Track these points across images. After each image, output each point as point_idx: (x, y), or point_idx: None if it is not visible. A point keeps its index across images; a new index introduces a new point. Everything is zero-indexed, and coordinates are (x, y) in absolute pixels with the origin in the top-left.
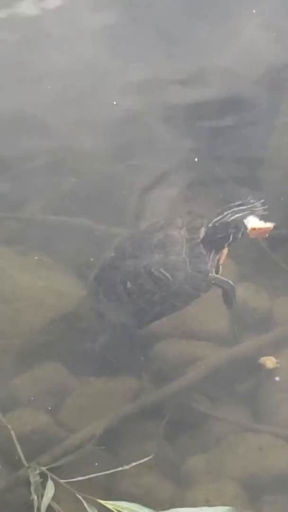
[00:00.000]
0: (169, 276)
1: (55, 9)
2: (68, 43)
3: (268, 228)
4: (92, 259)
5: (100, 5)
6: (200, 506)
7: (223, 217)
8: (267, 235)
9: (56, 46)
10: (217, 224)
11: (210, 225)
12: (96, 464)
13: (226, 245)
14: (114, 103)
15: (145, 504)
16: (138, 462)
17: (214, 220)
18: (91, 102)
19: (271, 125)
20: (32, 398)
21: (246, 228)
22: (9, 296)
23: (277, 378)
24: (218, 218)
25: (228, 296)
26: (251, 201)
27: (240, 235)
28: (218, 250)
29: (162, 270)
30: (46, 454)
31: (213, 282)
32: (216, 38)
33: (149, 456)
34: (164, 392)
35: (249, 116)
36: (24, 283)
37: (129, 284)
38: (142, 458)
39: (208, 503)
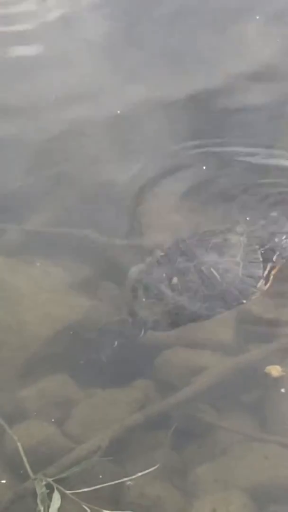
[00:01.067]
0: (218, 275)
1: (54, 24)
2: (66, 61)
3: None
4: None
5: (100, 20)
6: None
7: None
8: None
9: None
10: (274, 238)
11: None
12: (102, 475)
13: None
14: (118, 112)
15: None
16: (144, 473)
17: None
18: (92, 111)
19: (276, 135)
20: (39, 410)
21: None
22: (15, 308)
23: (282, 390)
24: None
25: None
26: None
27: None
28: (276, 261)
29: (212, 269)
30: (52, 466)
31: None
32: (218, 51)
33: (155, 466)
34: (170, 402)
35: (255, 128)
36: (29, 294)
37: (175, 279)
38: (149, 469)
39: None
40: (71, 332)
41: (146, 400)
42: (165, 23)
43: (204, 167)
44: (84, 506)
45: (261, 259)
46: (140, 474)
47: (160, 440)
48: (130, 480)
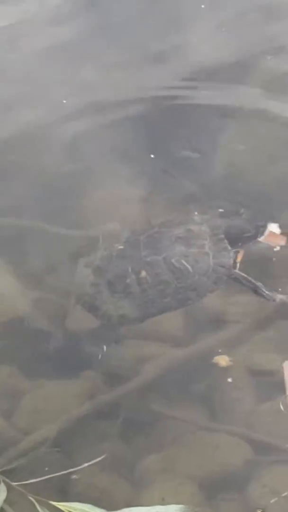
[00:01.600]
0: (189, 267)
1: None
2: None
3: (283, 237)
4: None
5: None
6: (155, 505)
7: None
8: (282, 243)
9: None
10: (241, 223)
11: (232, 223)
12: (50, 466)
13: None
14: (64, 101)
15: (100, 505)
16: (90, 463)
17: (234, 219)
18: (43, 104)
19: (225, 127)
20: None
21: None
22: None
23: (229, 380)
24: (237, 217)
25: (256, 293)
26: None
27: (261, 236)
28: (241, 247)
29: (183, 261)
30: (0, 457)
31: (233, 277)
32: (168, 41)
33: (102, 456)
34: (119, 393)
35: (204, 119)
36: None
37: (143, 273)
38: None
39: (163, 502)
40: (18, 325)
41: (94, 391)
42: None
43: (152, 156)
44: (30, 498)
45: (229, 248)
46: (86, 464)
47: (109, 431)
48: (77, 470)
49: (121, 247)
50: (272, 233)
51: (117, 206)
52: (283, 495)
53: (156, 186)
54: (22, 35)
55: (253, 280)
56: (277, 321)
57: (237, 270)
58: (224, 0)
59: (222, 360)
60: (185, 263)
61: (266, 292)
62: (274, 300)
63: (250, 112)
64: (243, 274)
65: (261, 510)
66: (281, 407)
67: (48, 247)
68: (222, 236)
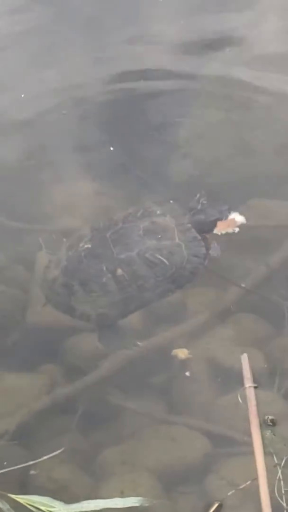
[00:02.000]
0: (165, 260)
1: None
2: None
3: (233, 220)
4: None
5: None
6: (115, 497)
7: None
8: (235, 230)
9: None
10: (204, 209)
11: (195, 211)
12: (9, 460)
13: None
14: (22, 95)
15: (60, 498)
16: (48, 456)
17: (196, 208)
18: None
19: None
20: None
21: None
22: None
23: (187, 373)
24: (198, 205)
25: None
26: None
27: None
28: (207, 232)
29: (157, 255)
30: None
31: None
32: (126, 30)
33: (60, 449)
34: (78, 386)
35: (163, 108)
36: None
37: (119, 271)
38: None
39: (122, 495)
40: None
41: (53, 385)
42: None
43: (111, 148)
44: None
45: (199, 237)
46: (45, 457)
47: (68, 424)
48: (36, 464)
49: (88, 245)
50: (222, 222)
51: (75, 200)
52: (241, 487)
53: (114, 180)
54: None
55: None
56: (236, 314)
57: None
58: None
59: (181, 353)
60: (160, 257)
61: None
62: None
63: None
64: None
65: (219, 503)
66: (239, 399)
67: (6, 241)
68: (189, 225)
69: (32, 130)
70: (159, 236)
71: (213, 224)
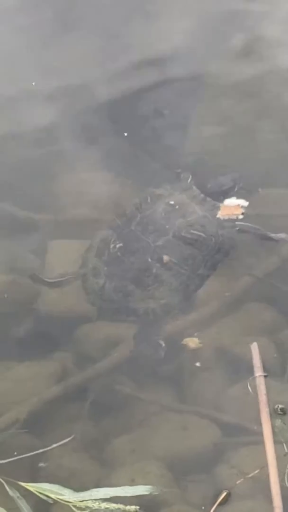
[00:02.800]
0: (202, 234)
1: None
2: None
3: (238, 207)
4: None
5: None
6: (125, 485)
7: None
8: (240, 216)
9: None
10: (217, 178)
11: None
12: (20, 448)
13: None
14: (33, 83)
15: (70, 486)
16: (58, 444)
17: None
18: (11, 87)
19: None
20: None
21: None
22: None
23: (197, 364)
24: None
25: (264, 237)
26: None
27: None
28: (222, 200)
29: (192, 231)
30: None
31: (237, 228)
32: (137, 27)
33: (70, 437)
34: (88, 375)
35: (173, 103)
36: None
37: (166, 258)
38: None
39: (133, 483)
40: None
41: (64, 373)
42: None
43: (125, 134)
44: None
45: (218, 203)
46: (55, 445)
47: (78, 413)
48: (45, 453)
49: (120, 244)
50: (227, 207)
51: (86, 189)
52: (250, 475)
53: (124, 169)
54: None
55: (257, 226)
56: (246, 303)
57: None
58: None
59: (192, 342)
60: (196, 231)
61: (272, 234)
62: (282, 239)
63: (219, 87)
64: (247, 224)
65: (227, 492)
66: (250, 388)
67: (18, 231)
68: (202, 195)
69: (43, 119)
70: (182, 212)
71: (227, 193)
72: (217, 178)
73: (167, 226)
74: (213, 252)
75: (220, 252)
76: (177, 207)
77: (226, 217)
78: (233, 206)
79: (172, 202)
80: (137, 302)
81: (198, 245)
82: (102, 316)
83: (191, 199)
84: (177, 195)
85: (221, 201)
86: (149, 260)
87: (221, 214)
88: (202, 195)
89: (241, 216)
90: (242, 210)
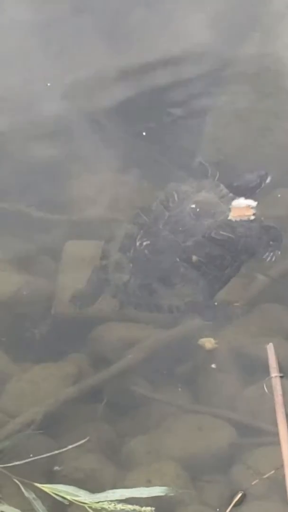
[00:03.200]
0: (231, 235)
1: None
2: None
3: (249, 208)
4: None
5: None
6: (141, 486)
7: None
8: (250, 215)
9: None
10: (243, 175)
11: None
12: (36, 449)
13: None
14: (48, 84)
15: (85, 487)
16: (74, 445)
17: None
18: (27, 87)
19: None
20: None
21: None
22: None
23: (213, 366)
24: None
25: (278, 238)
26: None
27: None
28: (248, 198)
29: (221, 232)
30: None
31: (265, 225)
32: (152, 26)
33: (85, 438)
34: (104, 376)
35: (189, 103)
36: None
37: (194, 258)
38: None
39: (149, 484)
40: (4, 309)
41: (79, 374)
42: None
43: (144, 133)
44: (15, 480)
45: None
46: (70, 446)
47: (94, 414)
48: (61, 454)
49: (147, 242)
50: (237, 208)
51: (101, 190)
52: (265, 476)
53: (139, 170)
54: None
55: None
56: (261, 304)
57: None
58: None
59: (208, 343)
60: (225, 233)
61: None
62: None
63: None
64: (269, 224)
65: (242, 493)
66: (265, 389)
67: (34, 232)
68: (230, 194)
69: (59, 120)
70: (212, 212)
71: (254, 191)
72: (243, 175)
73: (196, 227)
74: (241, 253)
75: (247, 253)
76: (205, 206)
77: (238, 219)
78: (243, 207)
79: (200, 201)
80: (161, 299)
81: (227, 246)
82: (123, 307)
83: (219, 198)
84: (204, 193)
85: (249, 197)
86: (177, 260)
87: (232, 216)
88: (230, 195)
89: (252, 217)
90: (253, 211)
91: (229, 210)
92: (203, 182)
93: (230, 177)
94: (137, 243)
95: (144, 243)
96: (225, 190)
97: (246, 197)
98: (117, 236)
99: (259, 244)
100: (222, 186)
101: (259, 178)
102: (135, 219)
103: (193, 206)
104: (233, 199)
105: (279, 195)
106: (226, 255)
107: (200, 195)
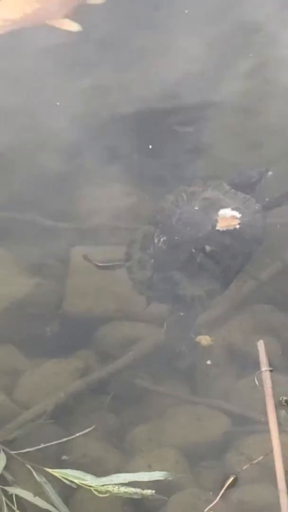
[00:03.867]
0: (237, 226)
1: None
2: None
3: (234, 218)
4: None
5: None
6: (142, 471)
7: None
8: (237, 226)
9: None
10: (244, 172)
11: (237, 174)
12: (48, 437)
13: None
14: (57, 103)
15: (92, 472)
16: (81, 433)
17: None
18: (37, 106)
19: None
20: None
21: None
22: None
23: (208, 362)
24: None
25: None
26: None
27: (264, 178)
28: (249, 193)
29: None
30: (1, 429)
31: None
32: (153, 46)
33: (92, 427)
34: (110, 370)
35: (187, 118)
36: None
37: (208, 248)
38: (91, 432)
39: (150, 469)
40: (18, 309)
41: (87, 369)
42: None
43: (150, 146)
44: (27, 465)
45: (248, 196)
46: (78, 434)
47: (100, 405)
48: (70, 441)
49: (164, 238)
50: (224, 219)
51: (107, 200)
52: (255, 461)
53: (142, 183)
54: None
55: None
56: (252, 305)
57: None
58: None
59: (204, 340)
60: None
61: None
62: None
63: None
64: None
65: (234, 476)
66: (256, 382)
67: (44, 238)
68: (233, 190)
69: (68, 136)
70: (218, 206)
71: (254, 186)
72: (244, 171)
73: (205, 219)
74: (250, 242)
75: (256, 242)
76: (212, 201)
77: (225, 228)
78: (229, 218)
79: (207, 198)
80: (184, 289)
81: (236, 235)
82: (151, 303)
83: (223, 194)
84: (210, 191)
85: (249, 193)
86: (193, 250)
87: (220, 226)
88: (233, 190)
89: (237, 226)
90: (238, 221)
91: (249, 200)
92: (208, 182)
93: (232, 174)
94: (155, 240)
95: (162, 239)
96: (227, 187)
97: (248, 192)
98: (137, 239)
99: (265, 233)
100: (224, 184)
101: (259, 174)
102: (151, 219)
103: (200, 202)
104: (235, 193)
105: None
106: (235, 244)
107: (207, 192)
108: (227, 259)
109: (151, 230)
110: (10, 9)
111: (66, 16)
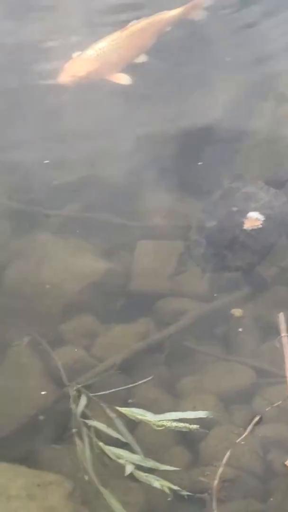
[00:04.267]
0: (270, 212)
1: None
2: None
3: (257, 220)
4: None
5: None
6: (189, 411)
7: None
8: (260, 226)
9: None
10: (276, 173)
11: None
12: (117, 383)
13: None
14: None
15: (151, 410)
16: (142, 381)
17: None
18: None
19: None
20: (73, 339)
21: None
22: (56, 269)
23: (240, 329)
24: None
25: None
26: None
27: None
28: (279, 188)
29: (264, 210)
30: (81, 377)
31: None
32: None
33: (149, 377)
34: (164, 334)
35: (220, 159)
36: (66, 260)
37: (248, 229)
38: (147, 379)
39: (195, 409)
40: (95, 287)
41: (147, 333)
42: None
43: (200, 163)
44: (102, 405)
45: (277, 191)
46: (140, 382)
47: (157, 360)
48: (134, 387)
49: (214, 223)
50: (250, 220)
51: (162, 205)
52: (275, 405)
53: (190, 191)
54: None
55: None
56: (275, 286)
57: None
58: None
59: (237, 312)
60: (266, 210)
61: None
62: None
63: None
64: None
65: (259, 416)
66: (277, 344)
67: (113, 233)
68: (267, 186)
69: (133, 160)
70: (254, 198)
71: (284, 183)
72: (276, 172)
73: (246, 208)
74: (280, 225)
75: (285, 225)
76: (250, 194)
77: (250, 228)
78: (254, 219)
79: (245, 192)
80: (230, 262)
81: (268, 219)
82: (206, 273)
83: (259, 189)
84: (247, 187)
85: (279, 188)
86: (237, 231)
87: (246, 226)
88: (266, 186)
89: (260, 226)
90: (260, 222)
91: (279, 194)
92: (246, 180)
93: (266, 175)
94: (207, 225)
95: (212, 224)
96: (262, 184)
97: (277, 188)
98: (193, 225)
99: None
100: (260, 181)
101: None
102: (203, 209)
103: (240, 195)
104: (268, 189)
105: None
106: (269, 226)
107: (246, 187)
108: (262, 238)
109: (203, 218)
110: (77, 67)
111: (120, 72)
